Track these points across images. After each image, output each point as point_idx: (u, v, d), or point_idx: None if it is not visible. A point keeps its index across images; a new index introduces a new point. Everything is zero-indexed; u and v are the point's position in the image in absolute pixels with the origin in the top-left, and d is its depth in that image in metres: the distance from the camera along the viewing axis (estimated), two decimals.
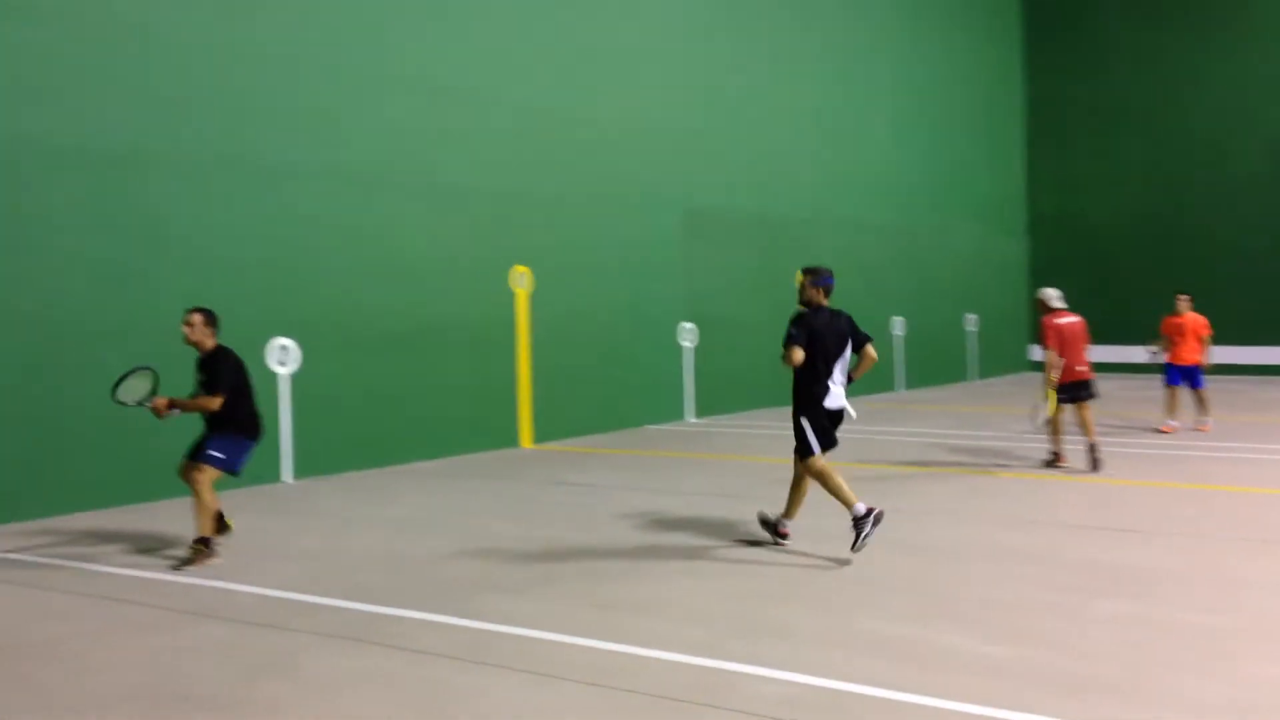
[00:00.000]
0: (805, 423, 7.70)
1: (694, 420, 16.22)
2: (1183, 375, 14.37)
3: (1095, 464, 11.09)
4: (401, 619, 6.22)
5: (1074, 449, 11.88)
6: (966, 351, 23.32)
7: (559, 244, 14.24)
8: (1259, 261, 23.28)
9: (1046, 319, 11.40)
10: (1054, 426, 11.49)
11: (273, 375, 11.03)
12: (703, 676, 5.20)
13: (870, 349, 7.85)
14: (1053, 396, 11.26)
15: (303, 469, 11.27)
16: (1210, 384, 14.92)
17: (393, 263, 12.24)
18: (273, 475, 11.02)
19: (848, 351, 7.76)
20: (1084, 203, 25.49)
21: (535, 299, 13.86)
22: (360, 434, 11.87)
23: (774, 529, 8.04)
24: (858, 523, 7.42)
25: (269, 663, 5.50)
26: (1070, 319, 11.42)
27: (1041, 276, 25.54)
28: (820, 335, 7.62)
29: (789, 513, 8.04)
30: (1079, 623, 5.97)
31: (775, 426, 15.38)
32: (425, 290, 12.57)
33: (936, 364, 22.24)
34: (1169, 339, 14.48)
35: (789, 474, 11.41)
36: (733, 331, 17.07)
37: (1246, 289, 23.31)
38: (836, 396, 7.70)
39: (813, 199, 18.96)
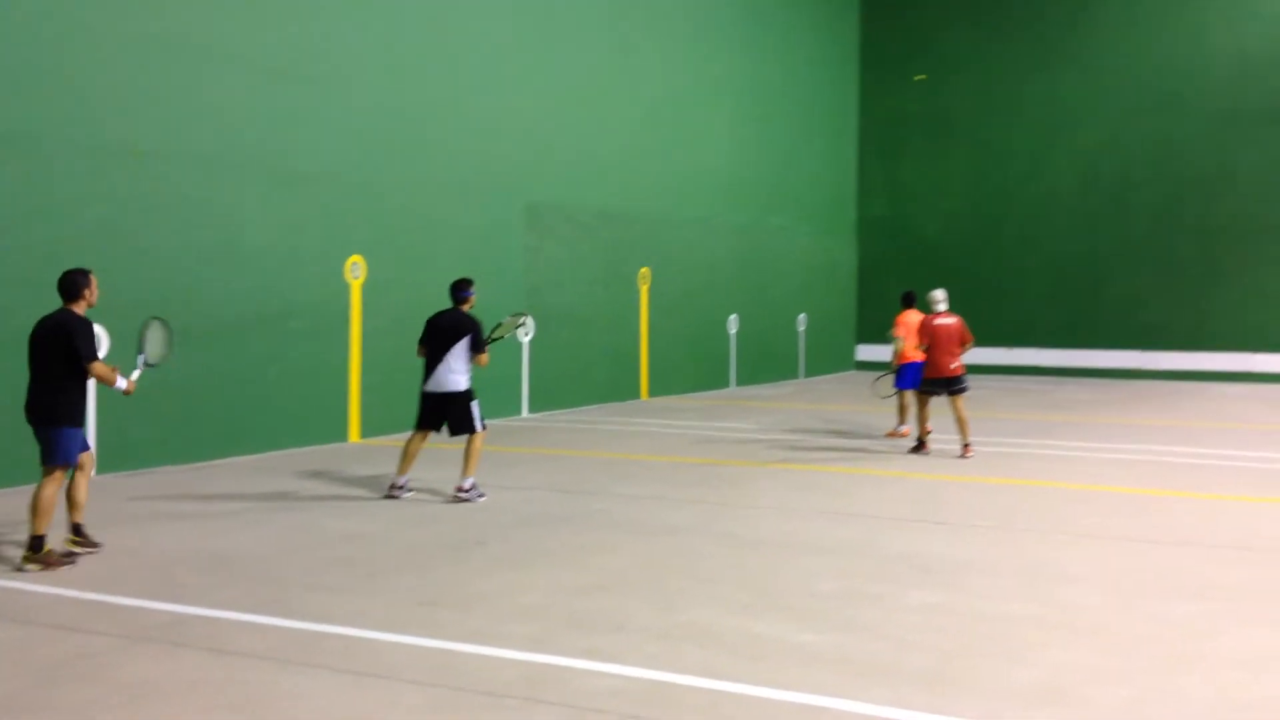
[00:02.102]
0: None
1: (528, 415, 16.14)
2: (911, 375, 13.36)
3: (964, 451, 12.13)
4: (216, 620, 5.97)
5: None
6: (797, 350, 23.93)
7: (397, 234, 13.92)
8: (1068, 271, 24.64)
9: (925, 318, 12.30)
10: (921, 416, 12.43)
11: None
12: (531, 671, 5.16)
13: (481, 357, 9.50)
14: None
15: (110, 464, 10.70)
16: (1021, 385, 15.35)
17: (223, 248, 11.75)
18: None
19: (461, 345, 9.39)
20: (911, 209, 26.49)
21: (370, 289, 13.54)
22: (177, 427, 11.34)
23: (393, 489, 9.60)
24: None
25: (72, 666, 5.20)
26: (946, 320, 12.26)
27: (869, 279, 26.49)
28: (431, 331, 9.54)
29: (402, 470, 9.59)
30: (894, 612, 6.19)
31: (611, 421, 15.43)
32: (256, 278, 12.08)
33: (768, 362, 22.74)
34: (903, 340, 13.56)
35: (626, 469, 11.52)
36: (571, 326, 17.05)
37: (1057, 296, 24.65)
38: (436, 382, 9.40)
39: (656, 197, 19.08)
